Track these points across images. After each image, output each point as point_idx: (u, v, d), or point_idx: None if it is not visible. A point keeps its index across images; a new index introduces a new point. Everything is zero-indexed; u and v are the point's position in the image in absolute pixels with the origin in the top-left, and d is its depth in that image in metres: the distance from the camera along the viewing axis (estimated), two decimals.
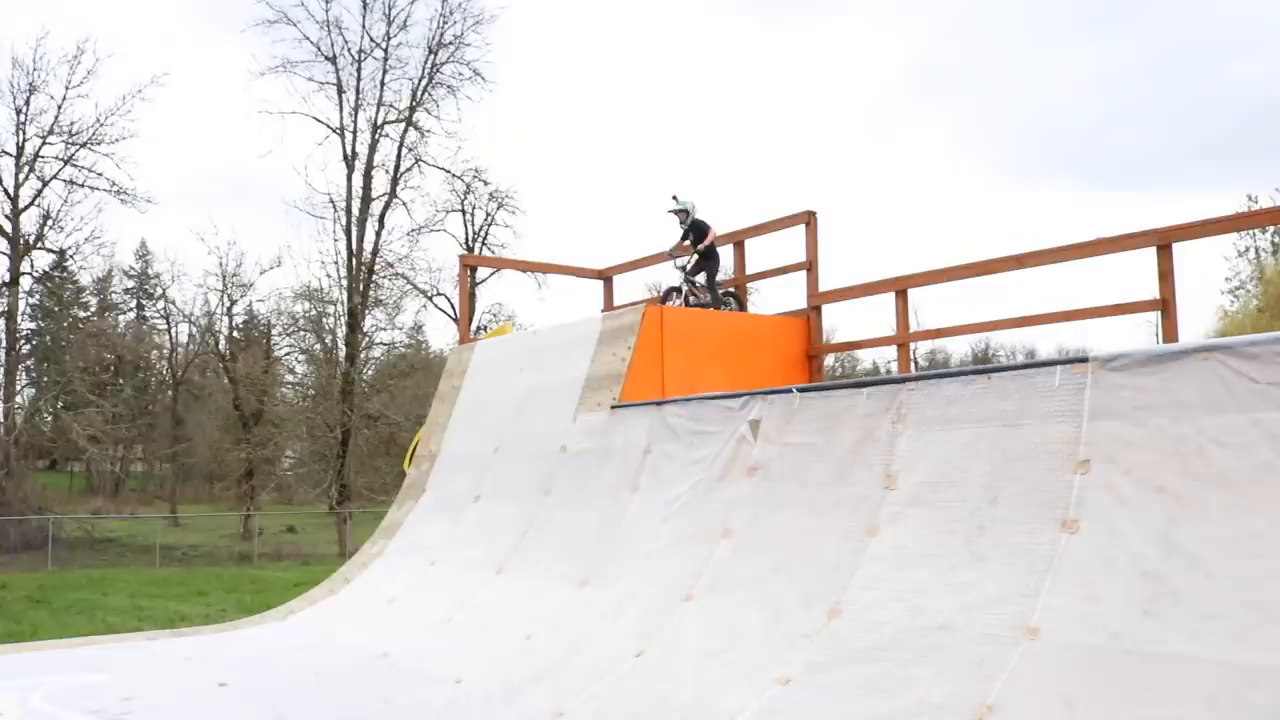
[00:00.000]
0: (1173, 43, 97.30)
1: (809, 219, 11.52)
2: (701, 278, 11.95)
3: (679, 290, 12.01)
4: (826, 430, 7.14)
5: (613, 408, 9.49)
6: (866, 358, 60.85)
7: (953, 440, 6.29)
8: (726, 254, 12.49)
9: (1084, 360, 5.83)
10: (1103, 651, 4.77)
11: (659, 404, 8.97)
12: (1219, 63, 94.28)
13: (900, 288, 10.56)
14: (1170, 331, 8.34)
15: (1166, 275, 8.35)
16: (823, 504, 6.82)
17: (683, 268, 12.05)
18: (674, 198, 12.01)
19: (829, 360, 15.08)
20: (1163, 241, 8.29)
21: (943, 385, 6.58)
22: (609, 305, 14.06)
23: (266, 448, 42.73)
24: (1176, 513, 4.98)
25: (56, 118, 39.00)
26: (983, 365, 6.94)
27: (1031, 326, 9.73)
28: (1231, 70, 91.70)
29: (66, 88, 38.84)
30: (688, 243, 11.94)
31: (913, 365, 11.53)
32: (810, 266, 11.49)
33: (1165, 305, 8.38)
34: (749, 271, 12.54)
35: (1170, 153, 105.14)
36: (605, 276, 14.29)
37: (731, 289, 12.65)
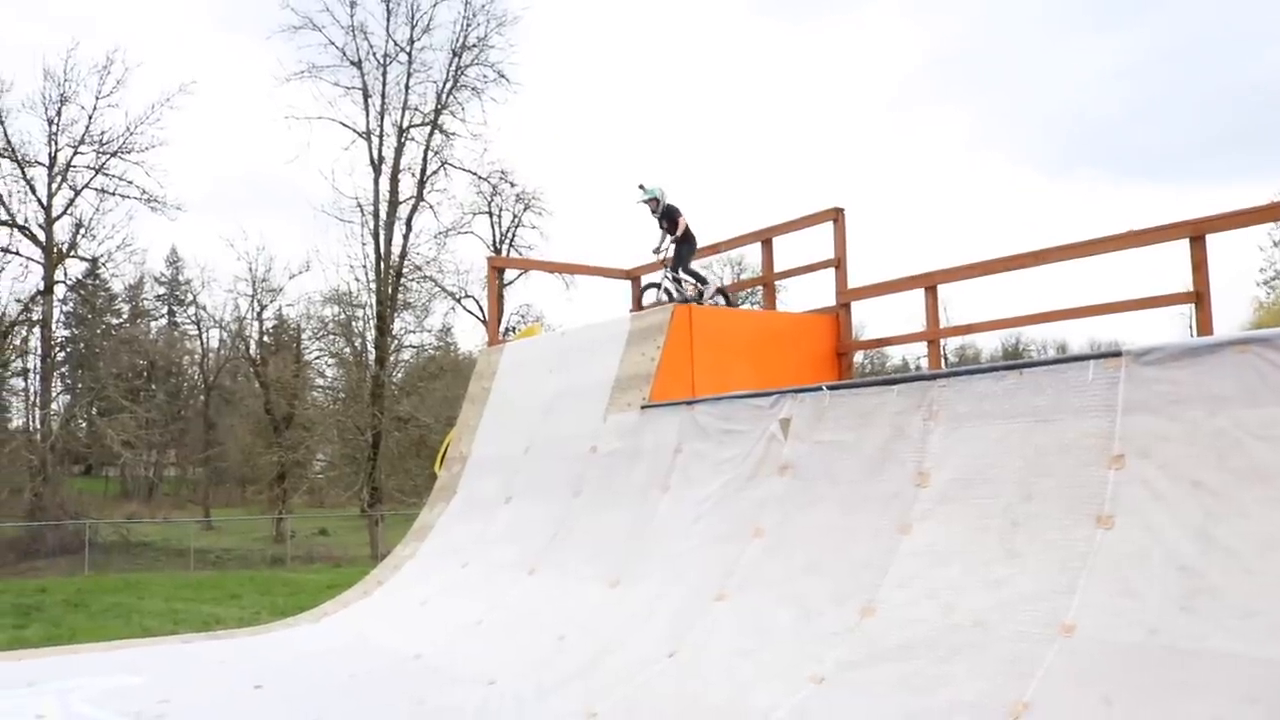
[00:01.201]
0: (1201, 30, 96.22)
1: (837, 216, 11.48)
2: (683, 271, 11.78)
3: (657, 285, 11.91)
4: (857, 428, 7.12)
5: (642, 407, 9.49)
6: (895, 354, 60.61)
7: (985, 436, 6.26)
8: (754, 252, 12.41)
9: (1117, 354, 5.78)
10: (1140, 648, 4.73)
11: (689, 403, 8.96)
12: (1252, 50, 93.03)
13: (930, 283, 10.50)
14: (1205, 324, 8.25)
15: (1200, 267, 8.26)
16: (854, 502, 6.80)
17: (666, 261, 11.91)
18: (641, 187, 11.77)
19: (858, 357, 15.04)
20: (1196, 233, 8.21)
21: (974, 381, 6.55)
22: (637, 305, 14.05)
23: (298, 451, 43.01)
24: (1214, 508, 4.93)
25: (87, 127, 39.41)
26: (1014, 360, 6.89)
27: (1062, 321, 9.65)
28: (1267, 56, 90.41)
29: (97, 98, 39.23)
30: (667, 235, 11.76)
31: (943, 361, 11.46)
32: (839, 264, 11.45)
33: (1199, 298, 8.29)
34: (777, 269, 12.50)
35: (1201, 143, 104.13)
36: (633, 276, 14.27)
37: (721, 287, 12.52)
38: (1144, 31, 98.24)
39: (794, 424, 7.66)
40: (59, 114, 39.15)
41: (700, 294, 11.75)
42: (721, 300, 12.18)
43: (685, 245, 11.78)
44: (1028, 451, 5.95)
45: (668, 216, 11.71)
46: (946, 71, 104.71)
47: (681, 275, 11.74)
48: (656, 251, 12.00)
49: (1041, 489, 5.74)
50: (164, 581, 28.24)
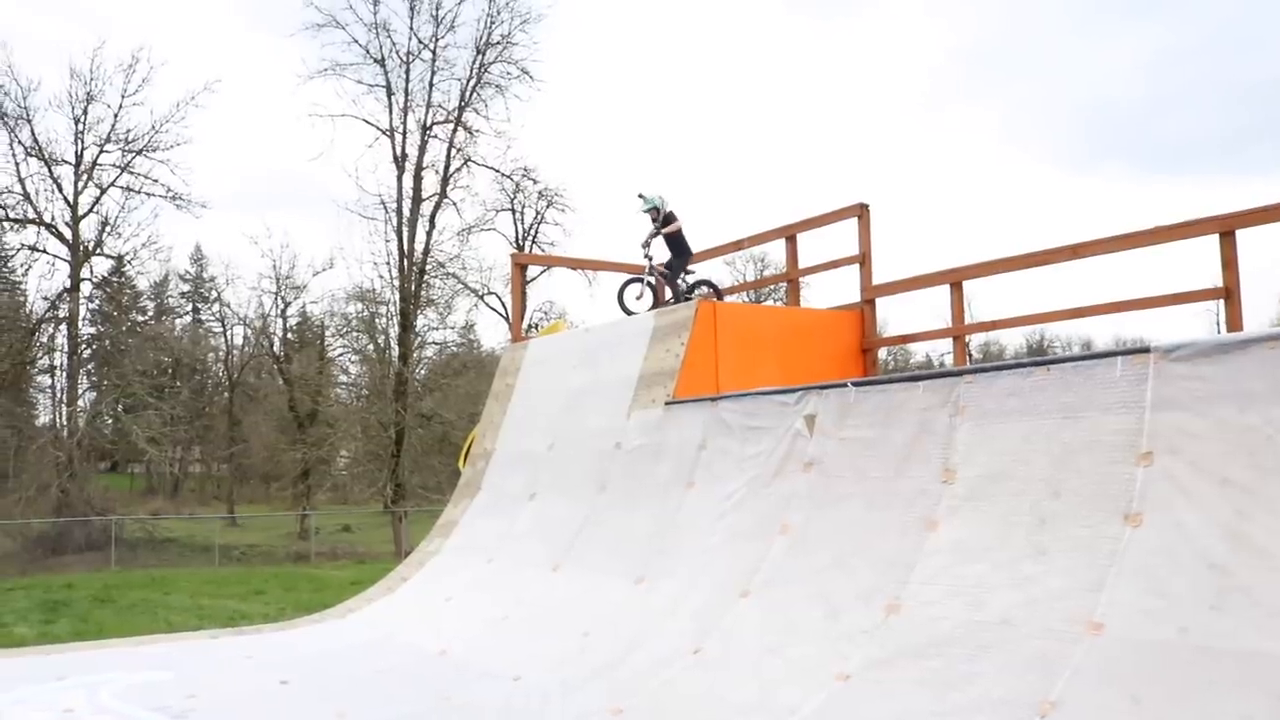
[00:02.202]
0: (1220, 25, 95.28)
1: (861, 212, 11.44)
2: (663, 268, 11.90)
3: (640, 279, 11.97)
4: (883, 424, 7.10)
5: (667, 404, 9.50)
6: (919, 351, 60.43)
7: (1012, 433, 6.23)
8: (778, 248, 12.40)
9: (1145, 350, 5.75)
10: (1170, 647, 4.70)
11: (713, 400, 8.97)
12: (1272, 44, 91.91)
13: (955, 280, 10.47)
14: (1235, 320, 8.20)
15: (1230, 263, 8.20)
16: (880, 498, 6.79)
17: (650, 256, 11.99)
18: (640, 196, 11.83)
19: (882, 354, 15.01)
20: (1226, 229, 8.14)
21: (1001, 377, 6.52)
22: (661, 301, 14.06)
23: (321, 448, 43.24)
24: (1244, 505, 4.89)
25: (113, 126, 39.78)
26: (1040, 357, 6.86)
27: (1089, 317, 9.60)
28: None
29: (122, 96, 39.57)
30: (659, 233, 11.82)
31: (967, 357, 11.43)
32: (863, 260, 11.42)
33: (1229, 294, 8.23)
34: (802, 265, 12.48)
35: (1229, 136, 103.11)
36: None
37: (713, 280, 12.54)
38: (1163, 26, 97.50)
39: (819, 420, 7.65)
40: (85, 113, 39.57)
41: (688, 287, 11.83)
42: (712, 292, 12.20)
43: (679, 256, 11.85)
44: (1055, 448, 5.92)
45: (667, 222, 11.77)
46: (969, 67, 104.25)
47: (668, 270, 11.81)
48: (645, 245, 12.02)
49: (1069, 486, 5.72)
50: (189, 577, 28.49)
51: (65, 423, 41.78)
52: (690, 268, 12.15)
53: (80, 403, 42.88)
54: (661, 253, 11.97)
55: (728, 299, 11.90)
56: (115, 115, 39.63)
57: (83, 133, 39.57)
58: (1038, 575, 5.50)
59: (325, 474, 45.93)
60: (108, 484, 50.15)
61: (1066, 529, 5.56)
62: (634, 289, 12.02)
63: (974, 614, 5.61)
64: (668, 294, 11.95)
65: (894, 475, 6.80)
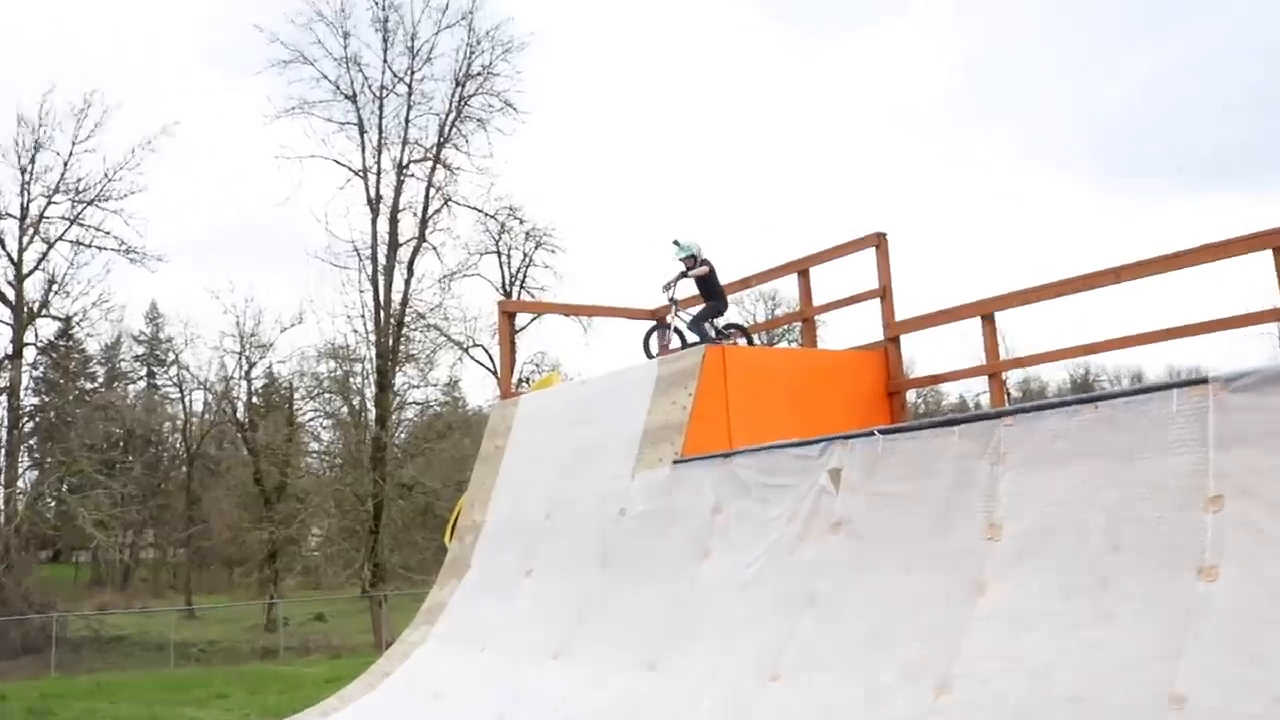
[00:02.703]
0: (1220, 41, 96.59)
1: (879, 241, 11.43)
2: (688, 314, 12.03)
3: (666, 325, 12.01)
4: (917, 476, 7.04)
5: (675, 463, 9.43)
6: (952, 391, 60.32)
7: (1061, 480, 6.16)
8: (790, 284, 12.40)
9: (1203, 381, 5.69)
10: None
11: (726, 456, 8.90)
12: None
13: (986, 311, 10.42)
14: None
15: None
16: (919, 561, 6.70)
17: (674, 300, 12.07)
18: (676, 243, 11.90)
19: (911, 396, 14.94)
20: None
21: (1044, 418, 6.47)
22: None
23: (291, 526, 43.09)
24: None
25: (63, 175, 40.21)
26: (1087, 393, 6.80)
27: (1136, 346, 9.54)
28: None
29: (73, 143, 40.02)
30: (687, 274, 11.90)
31: (1005, 397, 11.36)
32: (884, 294, 11.38)
33: None
34: (817, 302, 12.46)
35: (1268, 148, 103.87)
36: (659, 317, 14.22)
37: (739, 322, 12.59)
38: (1203, 30, 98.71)
39: (845, 474, 7.58)
40: (32, 161, 39.99)
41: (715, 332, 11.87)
42: (742, 339, 12.25)
43: (711, 299, 11.91)
44: (1111, 496, 5.84)
45: (699, 267, 11.77)
46: (978, 88, 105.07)
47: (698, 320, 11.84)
48: (668, 287, 12.02)
49: (1131, 538, 5.63)
50: (140, 682, 28.09)
51: (3, 507, 41.61)
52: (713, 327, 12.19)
53: (20, 484, 42.79)
54: (684, 294, 12.00)
55: (660, 333, 12.00)
56: (65, 164, 40.12)
57: (29, 183, 40.01)
58: (1105, 642, 5.39)
59: (295, 555, 45.74)
60: (48, 575, 49.83)
61: (1133, 587, 5.48)
62: (659, 335, 12.03)
63: (1036, 690, 5.50)
64: (675, 341, 11.89)
65: (933, 534, 6.72)
